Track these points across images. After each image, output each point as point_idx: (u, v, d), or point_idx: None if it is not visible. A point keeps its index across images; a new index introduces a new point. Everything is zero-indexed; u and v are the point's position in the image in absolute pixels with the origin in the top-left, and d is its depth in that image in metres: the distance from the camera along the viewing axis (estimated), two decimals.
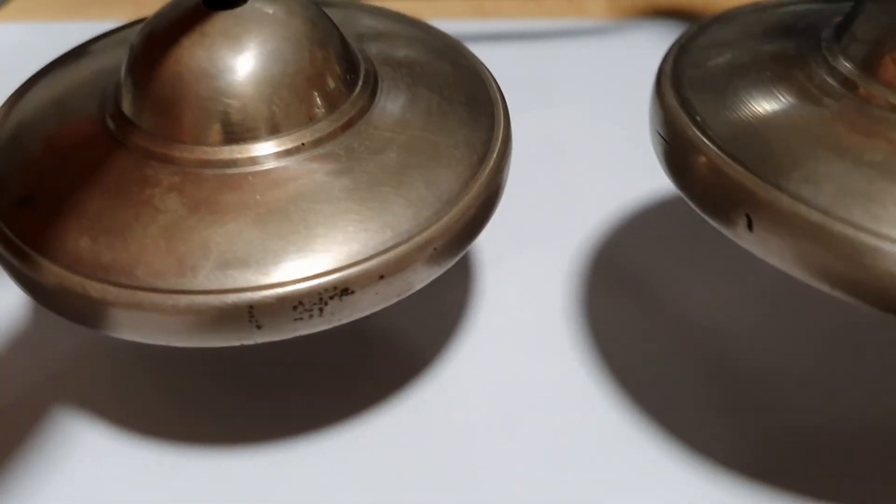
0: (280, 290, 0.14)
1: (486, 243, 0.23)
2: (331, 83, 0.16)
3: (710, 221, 0.15)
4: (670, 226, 0.23)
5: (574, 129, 0.27)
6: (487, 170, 0.16)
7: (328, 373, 0.20)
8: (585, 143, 0.26)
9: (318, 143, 0.15)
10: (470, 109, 0.17)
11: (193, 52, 0.15)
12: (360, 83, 0.16)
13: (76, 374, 0.20)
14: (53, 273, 0.14)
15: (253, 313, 0.14)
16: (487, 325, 0.21)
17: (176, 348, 0.20)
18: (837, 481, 0.18)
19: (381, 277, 0.14)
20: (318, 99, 0.16)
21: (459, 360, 0.20)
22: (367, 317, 0.15)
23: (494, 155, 0.16)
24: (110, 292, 0.14)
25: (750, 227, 0.14)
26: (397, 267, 0.15)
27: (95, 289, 0.14)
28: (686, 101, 0.16)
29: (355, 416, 0.19)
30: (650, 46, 0.29)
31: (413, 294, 0.15)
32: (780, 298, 0.21)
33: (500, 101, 0.18)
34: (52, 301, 0.14)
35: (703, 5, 0.32)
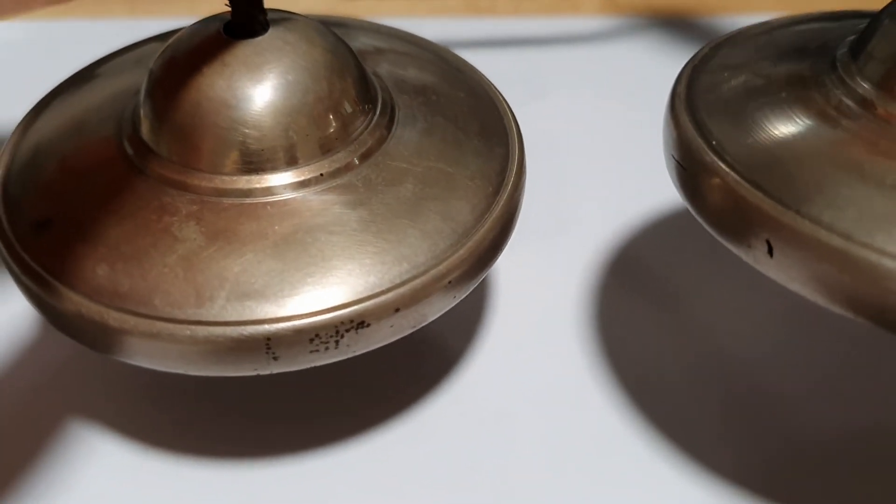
0: (297, 323, 0.14)
1: None
2: (349, 113, 0.16)
3: (729, 247, 0.15)
4: (673, 228, 0.23)
5: (569, 126, 0.27)
6: (502, 201, 0.16)
7: (338, 373, 0.19)
8: (578, 140, 0.26)
9: (336, 174, 0.15)
10: (485, 139, 0.17)
11: (213, 81, 0.15)
12: (378, 112, 0.17)
13: (85, 385, 0.19)
14: (73, 301, 0.14)
15: (270, 345, 0.14)
16: (494, 326, 0.21)
17: None
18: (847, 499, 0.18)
19: (397, 310, 0.15)
20: (336, 129, 0.16)
21: (468, 367, 0.20)
22: None
23: (509, 186, 0.16)
24: (128, 322, 0.14)
25: (770, 252, 0.14)
26: (413, 300, 0.15)
27: (114, 318, 0.14)
28: (701, 125, 0.16)
29: (370, 423, 0.19)
30: (646, 45, 0.30)
31: None
32: (798, 304, 0.20)
33: (514, 129, 0.18)
34: (70, 327, 0.15)
35: (696, 4, 0.32)
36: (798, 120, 0.16)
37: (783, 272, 0.14)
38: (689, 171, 0.16)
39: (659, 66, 0.27)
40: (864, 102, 0.15)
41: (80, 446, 0.18)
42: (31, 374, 0.20)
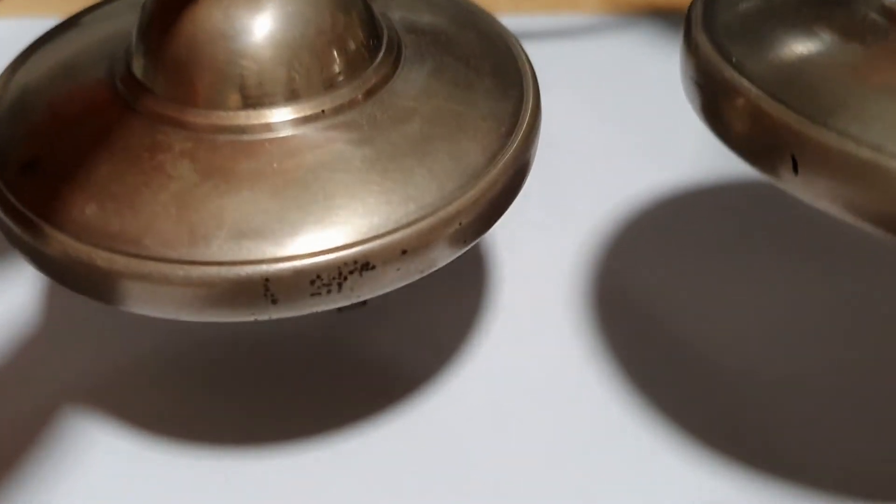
0: (297, 263, 0.13)
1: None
2: (353, 48, 0.15)
3: (753, 167, 0.15)
4: (671, 218, 0.23)
5: (567, 123, 0.26)
6: (516, 144, 0.15)
7: (338, 372, 0.19)
8: (578, 137, 0.26)
9: (338, 110, 0.15)
10: (497, 80, 0.16)
11: (210, 13, 0.14)
12: (384, 50, 0.16)
13: (85, 375, 0.19)
14: (59, 242, 0.13)
15: (268, 287, 0.13)
16: (491, 318, 0.20)
17: (194, 343, 0.20)
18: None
19: (404, 252, 0.14)
20: (339, 64, 0.15)
21: (465, 360, 0.19)
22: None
23: (523, 128, 0.15)
24: (118, 262, 0.13)
25: (795, 169, 0.13)
26: (420, 242, 0.14)
27: (102, 258, 0.13)
28: (720, 44, 0.15)
29: (365, 418, 0.18)
30: (645, 42, 0.29)
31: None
32: (799, 288, 0.21)
33: (529, 72, 0.17)
34: (58, 272, 0.14)
35: None
36: (821, 35, 0.15)
37: (809, 189, 0.14)
38: (708, 90, 0.15)
39: (657, 63, 0.28)
40: (891, 16, 0.14)
41: (79, 437, 0.18)
42: (30, 364, 0.19)
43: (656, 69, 0.27)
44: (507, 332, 0.20)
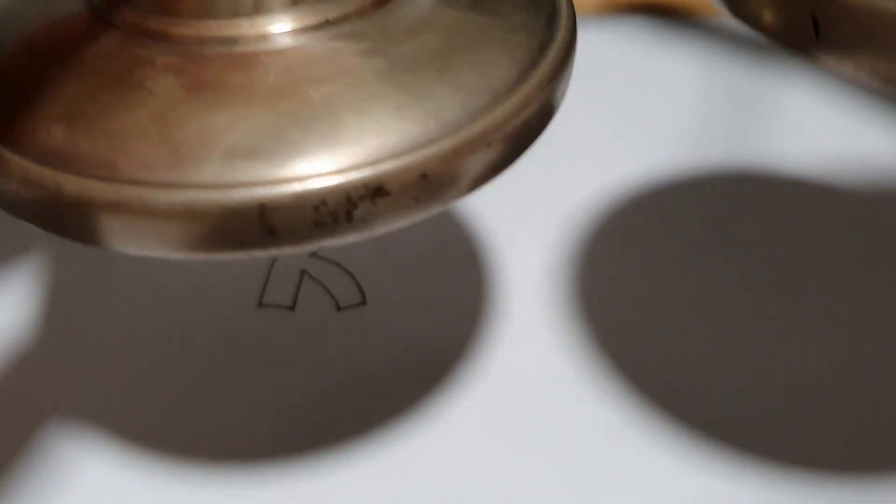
0: (299, 186, 0.11)
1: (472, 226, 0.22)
2: None
3: (772, 42, 0.13)
4: (654, 214, 0.23)
5: (561, 120, 0.25)
6: (551, 57, 0.13)
7: (336, 376, 0.19)
8: (574, 134, 0.25)
9: (344, 19, 0.13)
10: None
11: None
12: None
13: (89, 389, 0.19)
14: (19, 166, 0.11)
15: (265, 214, 0.11)
16: (488, 319, 0.20)
17: (193, 354, 0.19)
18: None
19: (423, 177, 0.12)
20: None
21: (453, 364, 0.19)
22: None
23: (557, 41, 0.13)
24: (88, 188, 0.11)
25: (816, 32, 0.12)
26: (443, 165, 0.12)
27: (70, 183, 0.11)
28: None
29: (364, 421, 0.18)
30: (632, 40, 0.30)
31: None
32: (786, 290, 0.21)
33: None
34: (19, 204, 0.12)
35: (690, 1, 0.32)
36: None
37: (832, 53, 0.12)
38: None
39: (643, 59, 0.28)
40: None
41: (73, 449, 0.17)
42: (25, 373, 0.19)
43: (643, 65, 0.28)
44: (502, 333, 0.20)
